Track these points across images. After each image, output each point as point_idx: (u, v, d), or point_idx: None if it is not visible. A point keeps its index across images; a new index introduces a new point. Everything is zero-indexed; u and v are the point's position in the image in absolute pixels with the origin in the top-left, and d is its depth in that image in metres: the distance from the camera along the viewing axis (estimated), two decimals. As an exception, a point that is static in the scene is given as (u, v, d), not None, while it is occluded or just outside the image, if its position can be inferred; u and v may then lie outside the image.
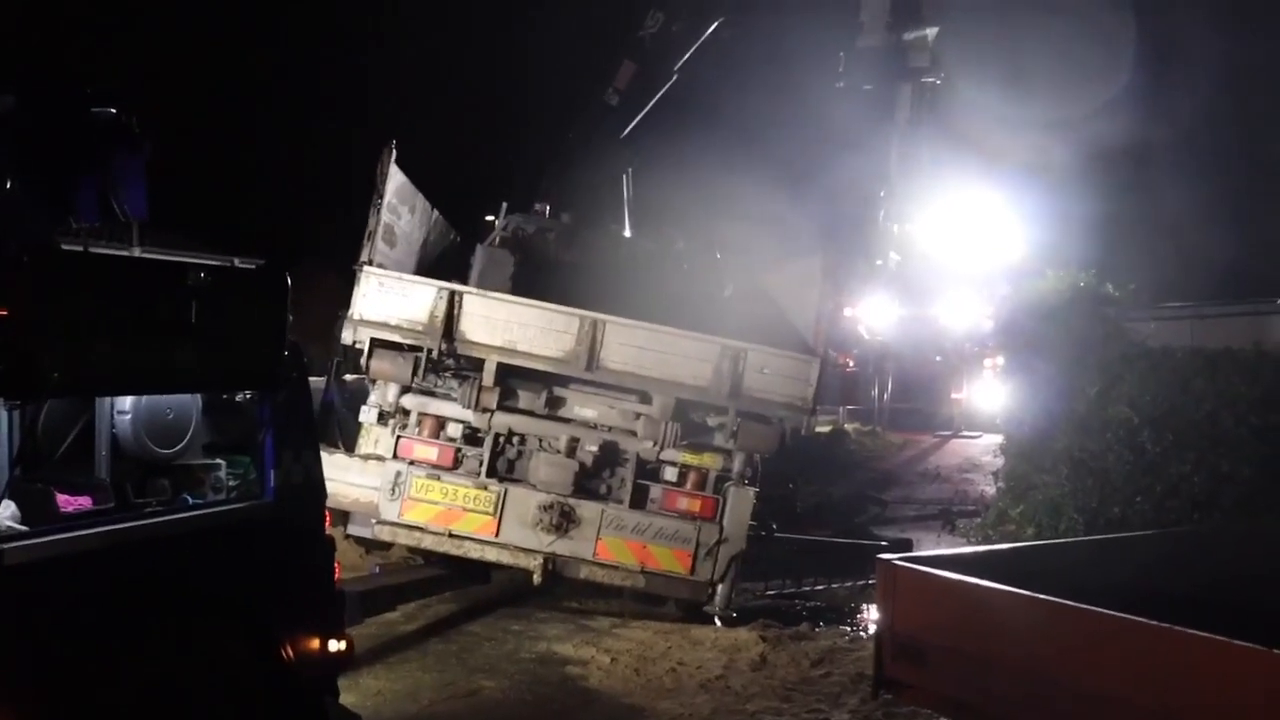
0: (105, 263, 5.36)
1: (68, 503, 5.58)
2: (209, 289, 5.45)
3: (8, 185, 5.41)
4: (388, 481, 11.49)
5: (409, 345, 11.57)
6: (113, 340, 5.13)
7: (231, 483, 6.46)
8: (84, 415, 5.98)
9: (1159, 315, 15.23)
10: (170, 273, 5.48)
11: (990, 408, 22.62)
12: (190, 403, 6.29)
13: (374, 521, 11.54)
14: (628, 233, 15.75)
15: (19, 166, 5.55)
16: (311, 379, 6.65)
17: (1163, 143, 28.97)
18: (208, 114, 26.46)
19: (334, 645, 6.48)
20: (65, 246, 5.77)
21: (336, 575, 6.84)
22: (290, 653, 6.11)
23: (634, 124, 16.66)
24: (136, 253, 6.16)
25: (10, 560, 4.72)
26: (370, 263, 11.60)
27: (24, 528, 5.09)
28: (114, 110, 6.06)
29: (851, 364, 32.01)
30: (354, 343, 11.52)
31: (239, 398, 6.49)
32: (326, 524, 6.87)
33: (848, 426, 27.69)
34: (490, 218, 14.46)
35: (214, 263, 5.71)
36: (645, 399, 11.76)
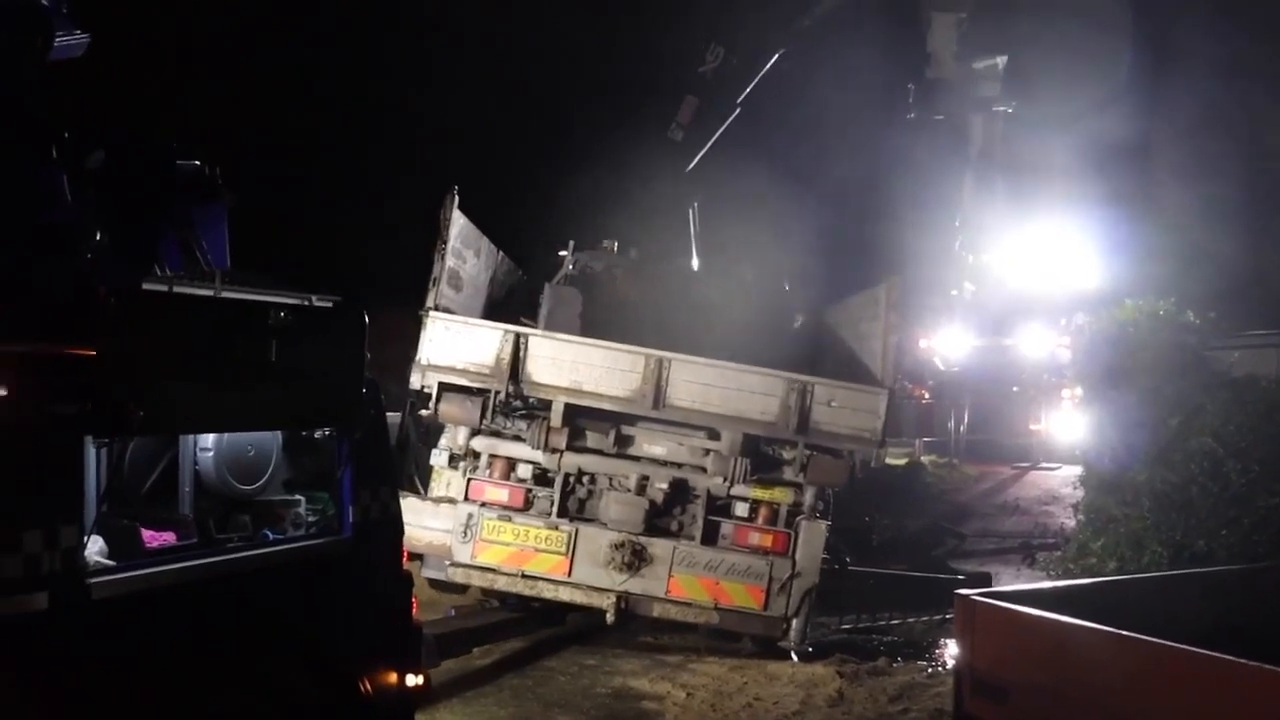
0: (188, 303, 5.49)
1: (153, 538, 5.70)
2: (289, 328, 5.55)
3: (97, 236, 5.58)
4: (460, 524, 11.56)
5: (477, 388, 11.67)
6: (196, 379, 5.25)
7: (311, 519, 6.55)
8: (168, 452, 6.11)
9: (1242, 344, 14.91)
10: (251, 312, 5.59)
11: (1069, 439, 22.22)
12: (271, 440, 6.39)
13: (447, 564, 11.62)
14: (695, 266, 15.78)
15: (108, 219, 5.73)
16: (389, 415, 6.72)
17: (1245, 169, 28.49)
18: (279, 151, 26.98)
19: (411, 680, 6.53)
20: (149, 287, 5.93)
21: (414, 611, 6.89)
22: (368, 688, 6.16)
23: (699, 158, 16.73)
24: (218, 293, 6.29)
25: (98, 594, 4.83)
26: (436, 308, 11.72)
27: (111, 562, 5.20)
28: (198, 163, 6.24)
29: (927, 395, 31.68)
30: (422, 387, 11.63)
31: (318, 435, 6.59)
32: (404, 560, 6.93)
33: (924, 458, 27.36)
34: (563, 253, 14.58)
35: (293, 301, 5.81)
36: (714, 435, 11.75)
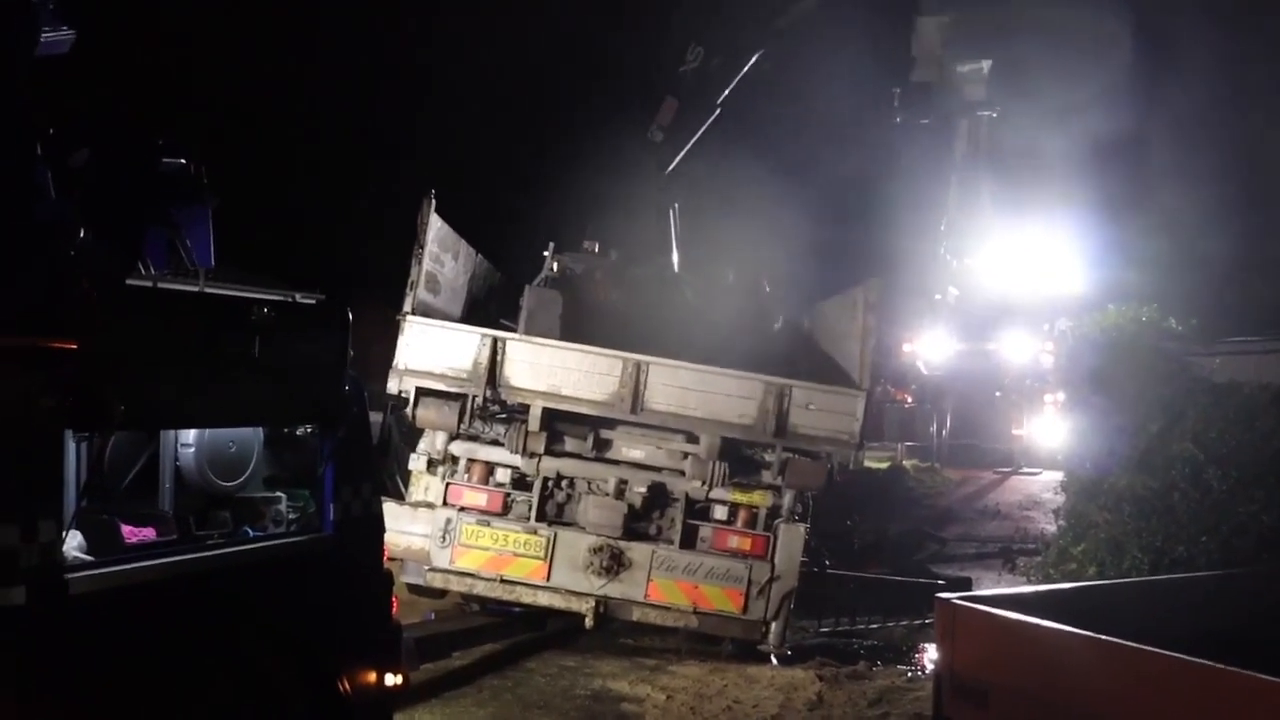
0: (171, 298, 5.46)
1: (132, 534, 5.67)
2: (272, 324, 5.53)
3: (81, 234, 5.56)
4: (438, 529, 11.53)
5: (454, 393, 11.62)
6: (178, 374, 5.23)
7: (291, 516, 6.53)
8: (149, 448, 6.08)
9: (1223, 350, 14.96)
10: (234, 308, 5.57)
11: (1051, 444, 22.31)
12: (252, 436, 6.37)
13: (426, 569, 11.57)
14: (676, 268, 15.79)
15: (92, 216, 5.70)
16: (371, 414, 6.71)
17: (1228, 175, 28.60)
18: (265, 146, 26.90)
19: (390, 679, 6.51)
20: (133, 282, 5.90)
21: (394, 609, 6.87)
22: (347, 686, 6.15)
23: (679, 159, 16.72)
24: (202, 289, 6.27)
25: (76, 590, 4.80)
26: (413, 312, 11.68)
27: (89, 558, 5.17)
28: (183, 161, 6.22)
29: (910, 399, 31.73)
30: (400, 392, 11.58)
31: (300, 431, 6.57)
32: (385, 557, 6.91)
33: (906, 463, 27.41)
34: (545, 254, 14.56)
35: (276, 298, 5.80)
36: (692, 438, 11.73)
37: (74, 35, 6.44)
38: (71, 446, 5.03)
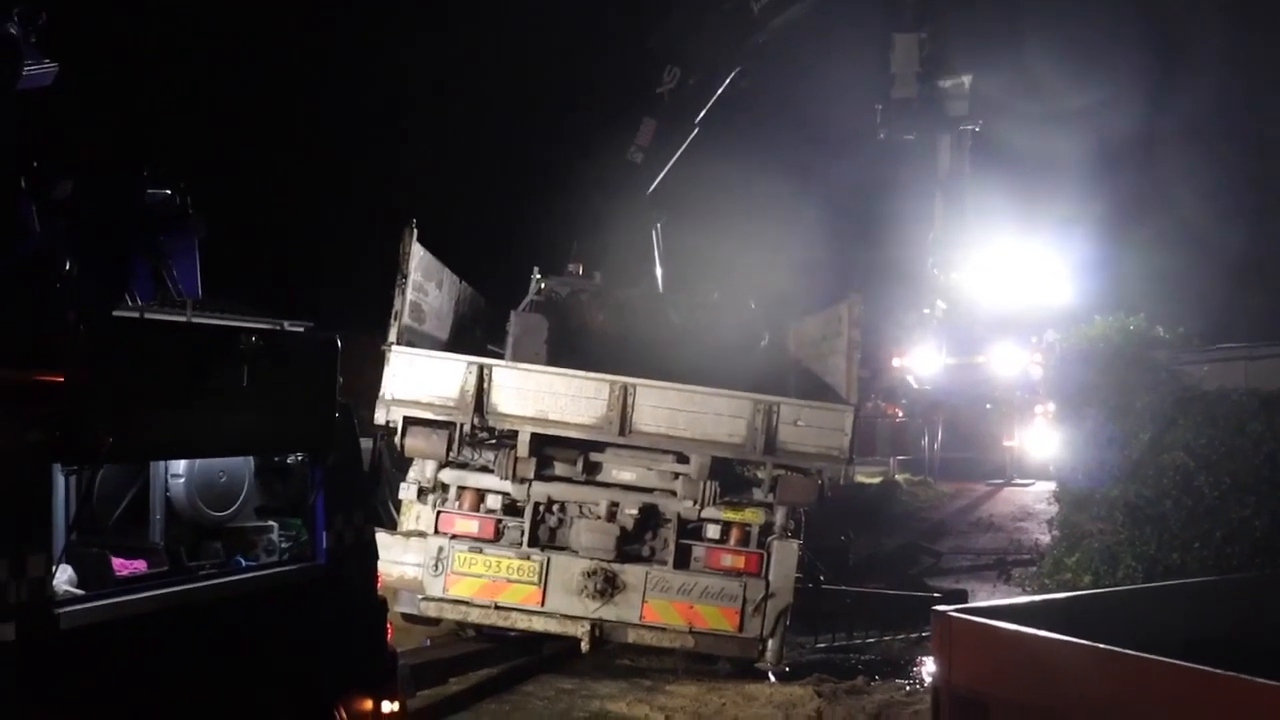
0: (159, 328, 5.44)
1: (123, 566, 5.63)
2: (261, 353, 5.52)
3: (66, 266, 5.55)
4: (430, 557, 11.47)
5: (442, 421, 11.59)
6: (167, 405, 5.21)
7: (284, 545, 6.50)
8: (138, 479, 6.05)
9: (1211, 358, 15.02)
10: (222, 337, 5.56)
11: (1042, 455, 22.33)
12: (243, 466, 6.34)
13: (419, 598, 11.50)
14: (660, 288, 15.78)
15: (78, 248, 5.69)
16: (362, 441, 6.69)
17: (1215, 186, 28.76)
18: (253, 173, 26.93)
19: (387, 707, 6.47)
20: (120, 314, 5.89)
21: (389, 636, 6.84)
22: (343, 715, 6.11)
23: (659, 179, 16.73)
24: (189, 318, 6.25)
25: (66, 624, 4.77)
26: (398, 342, 11.65)
27: (80, 592, 5.13)
28: (169, 192, 6.21)
29: (901, 414, 31.76)
30: (387, 422, 11.54)
31: (291, 460, 6.54)
32: (378, 585, 6.88)
33: (899, 477, 27.43)
34: (536, 276, 14.56)
35: (265, 327, 5.78)
36: (682, 459, 11.71)
37: (56, 68, 6.44)
38: (60, 480, 5.00)
